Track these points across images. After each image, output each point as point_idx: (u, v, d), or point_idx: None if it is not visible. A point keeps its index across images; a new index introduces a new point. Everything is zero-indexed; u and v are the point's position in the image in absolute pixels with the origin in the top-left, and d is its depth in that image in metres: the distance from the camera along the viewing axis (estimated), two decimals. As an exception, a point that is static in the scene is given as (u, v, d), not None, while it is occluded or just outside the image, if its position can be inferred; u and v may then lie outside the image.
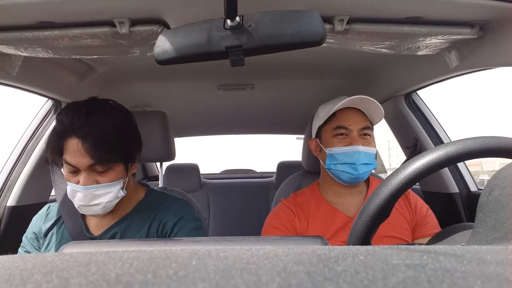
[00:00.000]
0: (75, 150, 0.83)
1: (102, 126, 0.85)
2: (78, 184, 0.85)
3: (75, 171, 0.86)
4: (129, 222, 0.96)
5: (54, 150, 0.87)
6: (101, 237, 0.94)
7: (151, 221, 0.96)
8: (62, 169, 0.92)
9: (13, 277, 0.22)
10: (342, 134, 1.05)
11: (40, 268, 0.23)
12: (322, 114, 1.12)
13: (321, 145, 1.11)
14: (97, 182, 0.86)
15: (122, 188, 0.90)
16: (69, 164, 0.85)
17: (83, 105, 0.88)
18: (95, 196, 0.86)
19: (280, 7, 0.77)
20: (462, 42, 0.96)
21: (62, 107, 1.39)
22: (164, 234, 0.95)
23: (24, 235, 1.01)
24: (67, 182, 0.88)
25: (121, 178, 0.90)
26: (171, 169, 2.34)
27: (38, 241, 0.98)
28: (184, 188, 1.52)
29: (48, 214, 1.01)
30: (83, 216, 0.98)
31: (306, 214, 1.07)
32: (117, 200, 0.91)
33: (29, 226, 1.01)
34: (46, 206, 1.03)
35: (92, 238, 0.95)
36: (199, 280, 0.21)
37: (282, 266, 0.23)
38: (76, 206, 0.88)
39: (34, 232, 0.99)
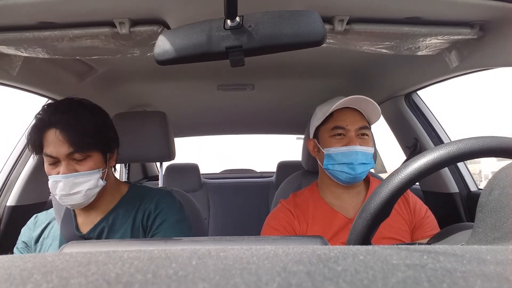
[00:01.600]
0: (54, 140, 0.87)
1: (80, 117, 0.89)
2: (58, 174, 0.88)
3: (55, 162, 0.89)
4: (115, 216, 0.98)
5: (35, 145, 0.89)
6: (89, 234, 0.96)
7: (136, 213, 0.98)
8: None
9: (13, 277, 0.22)
10: (339, 134, 1.05)
11: (40, 268, 0.23)
12: (319, 115, 1.12)
13: (318, 146, 1.11)
14: (77, 171, 0.89)
15: (101, 178, 0.93)
16: (49, 156, 0.88)
17: (59, 102, 0.94)
18: (75, 184, 0.88)
19: (280, 7, 0.77)
20: (462, 42, 0.96)
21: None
22: (147, 225, 0.97)
23: (15, 247, 1.02)
24: (48, 177, 0.89)
25: (99, 167, 0.92)
26: (171, 169, 2.34)
27: (29, 250, 0.99)
28: (184, 188, 1.52)
29: (36, 223, 1.02)
30: (74, 216, 0.99)
31: (305, 215, 1.07)
32: (98, 189, 0.92)
33: (19, 237, 1.02)
34: (34, 216, 1.05)
35: (81, 236, 0.96)
36: (199, 280, 0.21)
37: (282, 266, 0.23)
38: (58, 198, 0.90)
39: (23, 242, 1.00)
